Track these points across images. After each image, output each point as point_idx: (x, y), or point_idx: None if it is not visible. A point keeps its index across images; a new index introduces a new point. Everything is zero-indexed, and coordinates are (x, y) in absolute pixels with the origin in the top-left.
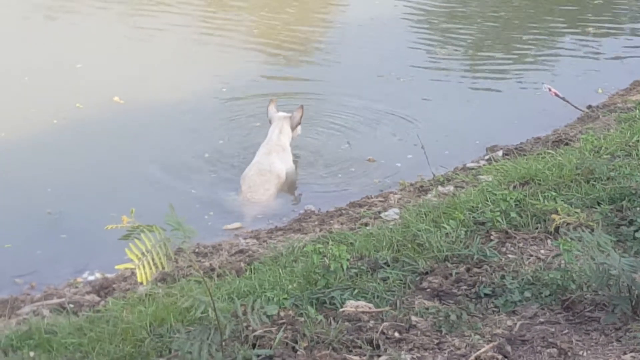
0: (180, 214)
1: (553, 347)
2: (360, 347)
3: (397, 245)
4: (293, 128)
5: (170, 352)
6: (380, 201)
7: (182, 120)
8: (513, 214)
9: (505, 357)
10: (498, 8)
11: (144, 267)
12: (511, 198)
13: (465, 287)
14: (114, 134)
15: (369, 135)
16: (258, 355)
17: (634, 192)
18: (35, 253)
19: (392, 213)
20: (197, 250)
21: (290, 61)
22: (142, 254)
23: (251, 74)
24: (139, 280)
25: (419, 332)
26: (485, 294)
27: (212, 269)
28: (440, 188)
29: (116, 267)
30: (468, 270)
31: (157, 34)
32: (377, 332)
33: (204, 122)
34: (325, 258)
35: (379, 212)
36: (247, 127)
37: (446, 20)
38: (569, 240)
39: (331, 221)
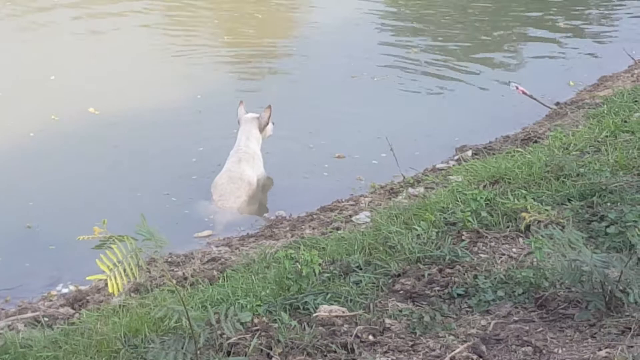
0: (158, 223)
1: (528, 346)
2: (335, 352)
3: (368, 249)
4: (262, 129)
5: None
6: (351, 205)
7: (158, 129)
8: (484, 214)
9: (480, 356)
10: (465, 6)
11: (115, 277)
12: (481, 197)
13: (438, 288)
14: (91, 145)
15: (342, 135)
16: None
17: (604, 187)
18: (11, 267)
19: (363, 216)
20: (169, 259)
21: (262, 64)
22: (114, 264)
23: (223, 80)
24: (110, 290)
25: (393, 335)
26: (459, 294)
27: (185, 278)
28: (410, 190)
29: (87, 278)
30: (440, 271)
31: (126, 45)
32: (351, 335)
33: (180, 129)
34: (297, 263)
35: (350, 216)
36: (223, 133)
37: (415, 20)
38: (540, 238)
39: (302, 226)
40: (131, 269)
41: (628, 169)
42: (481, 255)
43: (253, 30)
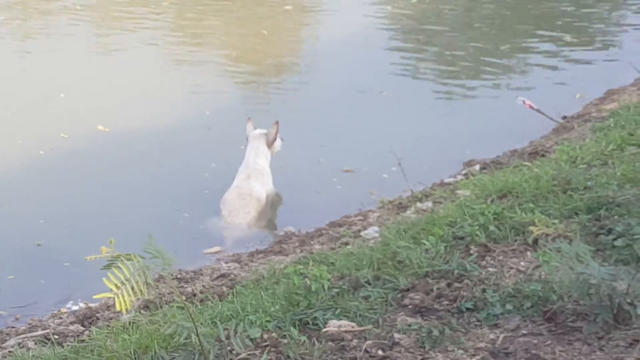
0: (170, 239)
1: (536, 359)
2: None
3: (377, 263)
4: (270, 145)
5: None
6: (360, 220)
7: (168, 146)
8: (492, 228)
9: None
10: (472, 19)
11: (122, 295)
12: (489, 212)
13: (446, 302)
14: (101, 163)
15: (351, 149)
16: None
17: (611, 200)
18: (21, 285)
19: (371, 231)
20: (179, 275)
21: (270, 80)
22: (121, 282)
23: (231, 96)
24: (117, 308)
25: (402, 349)
26: (467, 308)
27: (194, 294)
28: (418, 204)
29: (94, 296)
30: (449, 285)
31: (134, 62)
32: (360, 350)
33: (191, 146)
34: (306, 279)
35: (359, 231)
36: (235, 149)
37: (422, 34)
38: (548, 251)
39: (311, 242)
40: (139, 287)
41: (635, 182)
42: (489, 269)
43: (260, 46)
